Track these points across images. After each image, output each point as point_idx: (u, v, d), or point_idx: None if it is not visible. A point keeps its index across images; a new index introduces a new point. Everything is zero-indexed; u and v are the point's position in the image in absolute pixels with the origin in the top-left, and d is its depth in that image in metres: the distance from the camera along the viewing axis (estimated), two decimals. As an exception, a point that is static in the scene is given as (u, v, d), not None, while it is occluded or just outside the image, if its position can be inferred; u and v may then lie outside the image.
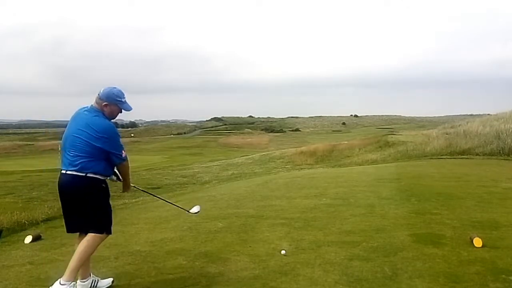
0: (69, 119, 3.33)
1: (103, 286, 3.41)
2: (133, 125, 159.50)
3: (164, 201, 4.76)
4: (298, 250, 4.20)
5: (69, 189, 3.19)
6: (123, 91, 3.35)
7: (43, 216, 6.84)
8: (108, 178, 3.36)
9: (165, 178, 21.80)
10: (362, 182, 9.24)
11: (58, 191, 3.28)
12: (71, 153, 3.18)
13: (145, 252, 4.41)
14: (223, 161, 28.96)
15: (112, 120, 3.44)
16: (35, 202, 10.41)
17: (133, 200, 9.47)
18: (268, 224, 5.41)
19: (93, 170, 3.17)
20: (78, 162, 3.15)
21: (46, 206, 8.23)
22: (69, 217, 3.28)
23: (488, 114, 26.88)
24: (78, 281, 3.27)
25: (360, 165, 17.29)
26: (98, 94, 3.27)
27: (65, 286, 3.04)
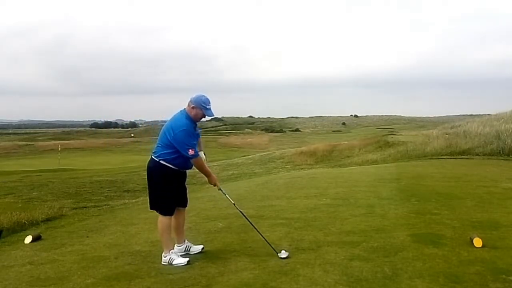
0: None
1: (195, 251, 4.21)
2: (133, 125, 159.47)
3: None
4: (298, 250, 4.20)
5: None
6: (209, 99, 4.03)
7: (43, 216, 6.84)
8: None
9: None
10: (362, 182, 9.23)
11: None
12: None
13: (145, 252, 4.41)
14: (223, 161, 28.91)
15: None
16: (35, 202, 10.41)
17: (133, 200, 9.48)
18: (268, 224, 5.41)
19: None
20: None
21: (46, 206, 8.23)
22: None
23: (488, 114, 26.81)
24: (175, 246, 4.15)
25: (360, 165, 17.26)
26: (190, 98, 4.00)
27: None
